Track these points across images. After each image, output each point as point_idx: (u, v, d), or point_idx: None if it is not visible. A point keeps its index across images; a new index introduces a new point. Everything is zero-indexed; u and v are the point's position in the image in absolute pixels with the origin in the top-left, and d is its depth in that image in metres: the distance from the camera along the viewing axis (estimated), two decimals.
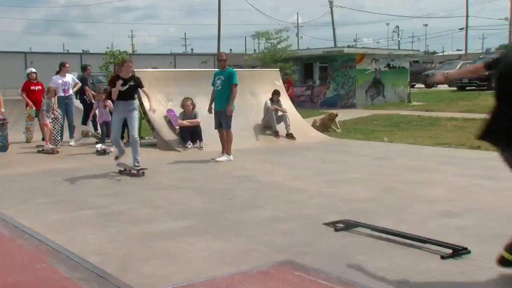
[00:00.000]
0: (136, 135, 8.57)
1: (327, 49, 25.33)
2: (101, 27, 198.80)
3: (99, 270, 4.13)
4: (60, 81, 12.32)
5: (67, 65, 12.67)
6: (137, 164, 8.41)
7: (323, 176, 7.98)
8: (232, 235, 5.06)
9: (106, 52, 24.38)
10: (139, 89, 8.78)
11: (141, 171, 8.38)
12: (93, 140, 12.30)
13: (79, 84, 13.02)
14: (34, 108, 12.53)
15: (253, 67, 23.76)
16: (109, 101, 11.34)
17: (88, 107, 12.74)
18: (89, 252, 4.59)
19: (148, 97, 9.08)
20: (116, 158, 8.74)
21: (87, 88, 12.94)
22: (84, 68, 13.91)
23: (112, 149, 10.90)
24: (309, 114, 17.60)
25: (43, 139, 11.77)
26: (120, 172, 8.53)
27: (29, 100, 12.44)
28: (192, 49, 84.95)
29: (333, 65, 23.66)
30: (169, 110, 11.86)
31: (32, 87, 12.83)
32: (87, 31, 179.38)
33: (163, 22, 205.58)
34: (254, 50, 51.84)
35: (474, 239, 4.68)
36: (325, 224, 5.27)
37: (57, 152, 10.93)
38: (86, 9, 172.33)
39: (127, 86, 8.48)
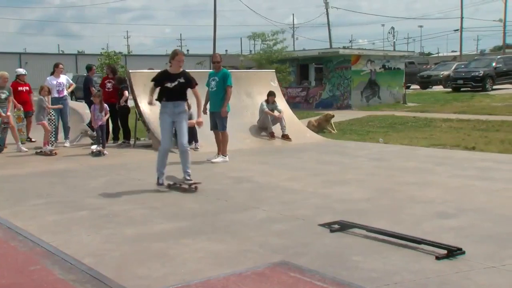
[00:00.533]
0: (186, 143, 7.32)
1: (323, 50, 25.32)
2: (96, 28, 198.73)
3: (93, 271, 4.12)
4: (55, 82, 12.28)
5: (60, 66, 12.64)
6: (188, 178, 7.23)
7: (318, 177, 7.99)
8: (227, 236, 5.06)
9: (101, 53, 24.39)
10: (190, 89, 7.46)
11: (193, 186, 7.21)
12: (89, 141, 12.26)
13: (74, 85, 12.99)
14: (22, 109, 12.55)
15: (249, 68, 23.77)
16: (106, 105, 11.33)
17: None
18: (84, 253, 4.58)
19: (198, 103, 7.67)
20: (161, 184, 7.40)
21: (92, 88, 12.93)
22: (89, 68, 13.84)
23: (106, 152, 10.90)
24: (304, 115, 17.62)
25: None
26: (169, 186, 7.36)
27: (16, 102, 12.38)
28: (188, 50, 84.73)
29: (329, 66, 23.68)
30: None
31: (20, 88, 12.84)
32: (82, 32, 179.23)
33: (159, 23, 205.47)
34: (250, 51, 51.87)
35: (468, 240, 4.70)
36: (321, 225, 5.28)
37: (55, 153, 10.89)
38: (81, 10, 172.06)
39: (176, 83, 7.28)
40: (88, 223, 5.64)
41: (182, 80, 7.32)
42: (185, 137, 7.28)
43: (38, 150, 11.19)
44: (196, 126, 8.24)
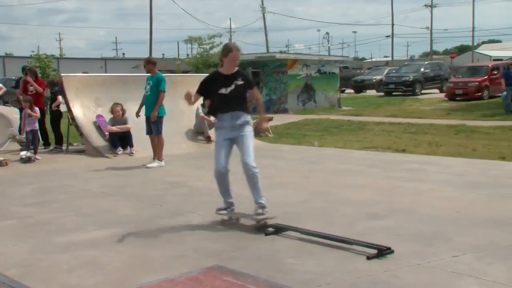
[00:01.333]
0: (253, 163, 5.45)
1: (259, 55, 25.54)
2: (26, 29, 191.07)
3: (16, 283, 3.95)
4: None
5: None
6: (260, 211, 5.39)
7: None
8: (162, 242, 5.00)
9: (31, 55, 23.54)
10: (249, 90, 5.78)
11: (264, 220, 5.37)
12: (17, 146, 11.79)
13: (4, 89, 12.46)
14: None
15: (186, 72, 23.62)
16: (36, 108, 10.93)
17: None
18: (9, 265, 4.40)
19: (259, 105, 5.96)
20: (220, 209, 5.78)
21: (17, 92, 12.40)
22: (23, 70, 13.26)
23: (38, 157, 10.53)
24: None
25: None
26: (231, 218, 5.74)
27: None
28: (123, 54, 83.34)
29: (265, 70, 23.90)
30: (98, 116, 11.58)
31: None
32: (10, 33, 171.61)
33: (93, 25, 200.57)
34: (187, 55, 51.63)
35: (397, 239, 4.87)
36: (256, 228, 5.31)
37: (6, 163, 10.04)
38: (9, 10, 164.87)
39: (232, 88, 5.55)
40: (15, 232, 5.43)
41: (240, 81, 5.60)
42: (250, 156, 5.46)
43: None
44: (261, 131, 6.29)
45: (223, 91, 5.54)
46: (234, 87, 5.55)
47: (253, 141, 5.67)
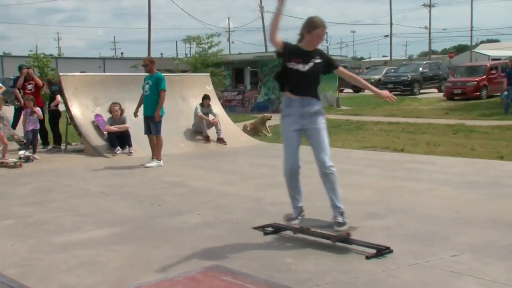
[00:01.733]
0: (331, 162, 4.83)
1: (258, 54, 25.52)
2: (24, 29, 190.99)
3: (15, 283, 3.94)
4: None
5: None
6: (339, 220, 4.73)
7: (253, 181, 8.04)
8: (160, 242, 5.00)
9: (29, 55, 23.46)
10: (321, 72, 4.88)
11: (344, 229, 4.69)
12: (16, 146, 11.77)
13: (3, 88, 12.44)
14: None
15: (184, 72, 23.60)
16: (38, 108, 10.93)
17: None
18: (7, 264, 4.39)
19: (356, 79, 5.47)
20: (290, 219, 5.01)
21: (16, 91, 12.39)
22: (20, 69, 13.26)
23: (37, 156, 10.52)
24: (240, 118, 17.68)
25: None
26: (302, 228, 4.98)
27: None
28: (122, 53, 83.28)
29: (264, 70, 23.89)
30: (97, 115, 11.58)
31: None
32: (9, 33, 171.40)
33: (91, 25, 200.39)
34: (186, 54, 51.59)
35: (396, 239, 4.87)
36: (255, 228, 5.31)
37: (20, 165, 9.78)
38: (7, 9, 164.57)
39: (311, 65, 4.70)
40: (14, 232, 5.42)
41: (318, 60, 4.75)
42: (327, 153, 4.81)
43: None
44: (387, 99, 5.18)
45: (300, 67, 4.67)
46: (313, 65, 4.71)
47: (326, 133, 4.88)
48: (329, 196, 4.85)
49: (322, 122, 4.83)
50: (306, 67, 4.67)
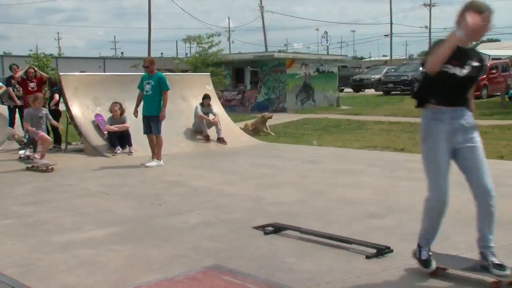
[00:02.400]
0: (494, 192, 4.01)
1: (258, 54, 25.52)
2: (24, 29, 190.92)
3: (16, 282, 3.94)
4: None
5: None
6: (496, 261, 3.92)
7: (253, 180, 8.04)
8: (160, 241, 4.99)
9: (29, 54, 23.49)
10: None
11: (508, 273, 3.79)
12: (16, 146, 11.77)
13: (3, 88, 12.44)
14: None
15: (184, 71, 23.59)
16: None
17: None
18: (8, 264, 4.39)
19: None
20: (426, 261, 4.06)
21: (10, 89, 12.39)
22: (10, 68, 13.27)
23: (37, 155, 10.50)
24: (240, 118, 17.69)
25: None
26: (438, 269, 4.04)
27: None
28: (122, 53, 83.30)
29: (264, 69, 23.89)
30: (97, 115, 11.58)
31: None
32: (9, 32, 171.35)
33: (92, 24, 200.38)
34: (186, 54, 51.54)
35: (396, 238, 4.87)
36: (255, 227, 5.31)
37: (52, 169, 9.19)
38: (7, 9, 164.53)
39: (469, 70, 3.74)
40: (14, 231, 5.42)
41: (476, 63, 3.79)
42: (489, 178, 3.93)
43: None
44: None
45: (457, 71, 3.69)
46: (472, 69, 3.75)
47: (483, 154, 3.91)
48: (482, 230, 4.02)
49: (478, 139, 3.88)
50: (464, 72, 3.71)
